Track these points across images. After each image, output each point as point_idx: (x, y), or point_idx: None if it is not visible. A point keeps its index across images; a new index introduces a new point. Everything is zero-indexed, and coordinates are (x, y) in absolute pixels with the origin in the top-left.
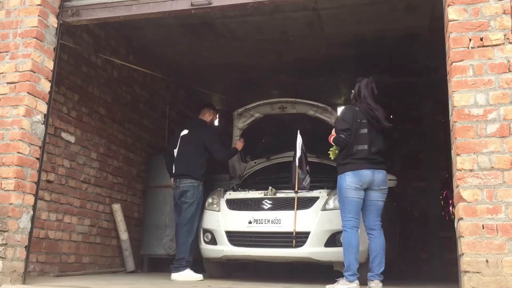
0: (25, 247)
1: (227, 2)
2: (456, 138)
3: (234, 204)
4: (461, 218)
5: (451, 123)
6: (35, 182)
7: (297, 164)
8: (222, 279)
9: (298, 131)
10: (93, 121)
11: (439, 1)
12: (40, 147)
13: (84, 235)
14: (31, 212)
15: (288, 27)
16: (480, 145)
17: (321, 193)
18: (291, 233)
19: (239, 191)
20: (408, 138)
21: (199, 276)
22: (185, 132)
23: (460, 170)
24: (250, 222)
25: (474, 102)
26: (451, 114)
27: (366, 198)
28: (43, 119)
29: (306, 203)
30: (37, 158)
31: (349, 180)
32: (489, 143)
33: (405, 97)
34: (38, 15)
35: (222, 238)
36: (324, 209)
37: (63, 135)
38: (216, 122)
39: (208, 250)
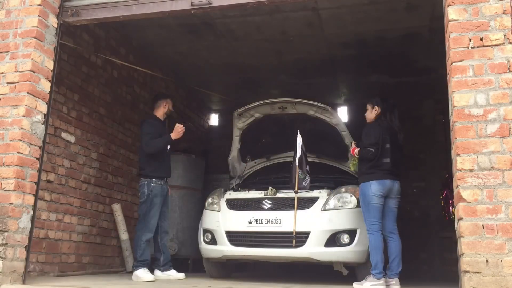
0: (25, 247)
1: (227, 2)
2: (456, 138)
3: (234, 204)
4: (461, 218)
5: (451, 123)
6: (35, 182)
7: (297, 164)
8: (222, 279)
9: (298, 131)
10: (93, 121)
11: (439, 1)
12: (40, 147)
13: (84, 235)
14: (31, 212)
15: (288, 27)
16: (480, 145)
17: (321, 193)
18: (291, 233)
19: (239, 191)
20: (408, 138)
21: (151, 277)
22: None
23: (460, 170)
24: (250, 222)
25: (474, 102)
26: (451, 114)
27: (384, 205)
28: (43, 119)
29: (306, 203)
30: (37, 158)
31: (374, 188)
32: (489, 143)
33: (405, 97)
34: (38, 15)
35: (222, 238)
36: (324, 209)
37: (63, 135)
38: (170, 108)
39: (208, 250)
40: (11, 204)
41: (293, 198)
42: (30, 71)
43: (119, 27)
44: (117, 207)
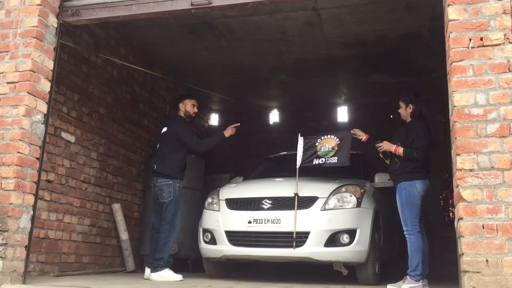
0: (25, 247)
1: (227, 2)
2: (456, 138)
3: (233, 204)
4: (461, 218)
5: (451, 123)
6: (35, 182)
7: (297, 167)
8: (222, 279)
9: (299, 133)
10: (93, 121)
11: (439, 1)
12: (40, 147)
13: (84, 235)
14: (31, 212)
15: (288, 27)
16: (480, 145)
17: (321, 193)
18: (291, 233)
19: (236, 185)
20: None
21: (179, 277)
22: (164, 129)
23: (460, 170)
24: (249, 222)
25: (474, 102)
26: (451, 114)
27: None
28: (43, 119)
29: (306, 203)
30: (37, 158)
31: (419, 187)
32: (489, 143)
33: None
34: (38, 15)
35: (222, 238)
36: (324, 209)
37: (63, 135)
38: (195, 109)
39: (207, 250)
40: (11, 204)
41: (293, 198)
42: (30, 71)
43: (119, 27)
44: (117, 207)
